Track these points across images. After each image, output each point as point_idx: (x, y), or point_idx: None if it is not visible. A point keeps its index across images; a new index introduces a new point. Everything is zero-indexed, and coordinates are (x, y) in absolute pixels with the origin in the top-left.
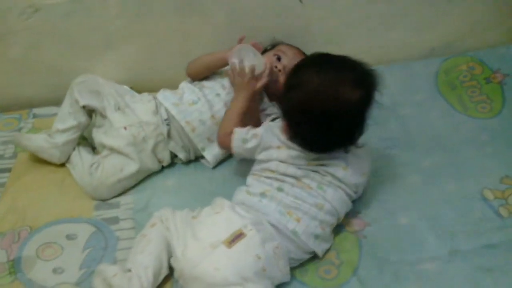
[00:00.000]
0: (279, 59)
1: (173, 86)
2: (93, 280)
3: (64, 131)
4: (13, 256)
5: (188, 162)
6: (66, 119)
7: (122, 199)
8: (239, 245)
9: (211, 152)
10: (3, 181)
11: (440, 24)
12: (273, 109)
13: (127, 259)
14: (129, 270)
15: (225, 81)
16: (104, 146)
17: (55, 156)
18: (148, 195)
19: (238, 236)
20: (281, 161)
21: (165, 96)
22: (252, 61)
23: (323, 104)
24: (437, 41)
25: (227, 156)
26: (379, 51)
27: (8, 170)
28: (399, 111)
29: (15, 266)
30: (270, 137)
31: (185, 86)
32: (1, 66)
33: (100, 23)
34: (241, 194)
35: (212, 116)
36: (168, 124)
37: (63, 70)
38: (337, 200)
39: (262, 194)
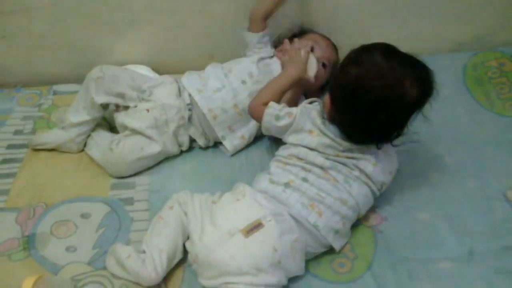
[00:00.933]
0: (312, 49)
1: (195, 68)
2: (106, 259)
3: (77, 124)
4: (27, 232)
5: (206, 147)
6: (80, 112)
7: (138, 180)
8: (257, 235)
9: (232, 142)
10: (21, 157)
11: (471, 17)
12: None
13: (143, 240)
14: (144, 252)
15: (254, 69)
16: (126, 127)
17: (72, 148)
18: (165, 177)
19: (256, 226)
20: (311, 149)
21: (189, 81)
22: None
23: (380, 89)
24: (467, 35)
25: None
26: (406, 42)
27: (27, 145)
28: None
29: (29, 243)
30: (304, 119)
31: (211, 71)
32: (24, 41)
33: (124, 2)
34: (264, 182)
35: (235, 105)
36: (190, 109)
37: (85, 47)
38: (362, 196)
39: (286, 184)
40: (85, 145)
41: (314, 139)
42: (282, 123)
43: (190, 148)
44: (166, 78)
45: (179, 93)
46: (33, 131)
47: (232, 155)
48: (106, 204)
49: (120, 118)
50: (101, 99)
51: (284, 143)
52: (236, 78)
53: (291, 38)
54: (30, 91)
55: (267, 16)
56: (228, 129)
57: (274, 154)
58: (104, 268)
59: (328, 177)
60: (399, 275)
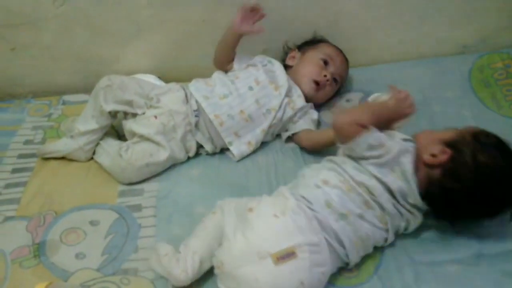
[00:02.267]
0: (325, 63)
1: (201, 76)
2: (150, 255)
3: (85, 133)
4: (38, 240)
5: (213, 153)
6: (88, 121)
7: (146, 187)
8: (287, 265)
9: (238, 148)
10: (31, 166)
11: (475, 19)
12: (312, 108)
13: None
14: (180, 252)
15: (260, 76)
16: (134, 134)
17: (81, 156)
18: (172, 183)
19: (289, 255)
20: (388, 189)
21: (197, 88)
22: None
23: (502, 192)
24: (472, 37)
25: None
26: (410, 45)
27: (36, 155)
28: (429, 107)
29: (39, 250)
30: (398, 160)
31: (217, 78)
32: (33, 52)
33: (129, 12)
34: (318, 200)
35: (242, 111)
36: (197, 116)
37: (92, 58)
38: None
39: (343, 216)
40: (94, 153)
41: (397, 182)
42: (371, 153)
43: (197, 154)
44: (173, 85)
45: (186, 99)
46: (43, 141)
47: (238, 160)
48: (114, 211)
49: (129, 125)
50: (110, 107)
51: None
52: (242, 85)
53: (302, 46)
54: (40, 102)
55: (228, 61)
56: (235, 135)
57: (280, 159)
58: (113, 274)
59: (381, 221)
60: (405, 278)
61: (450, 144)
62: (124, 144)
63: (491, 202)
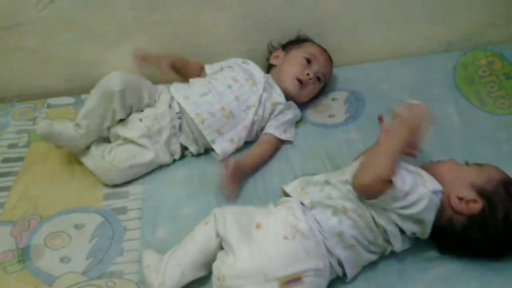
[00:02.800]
0: (309, 61)
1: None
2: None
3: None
4: (22, 245)
5: (198, 154)
6: (94, 117)
7: (131, 189)
8: None
9: (221, 145)
10: (16, 170)
11: (459, 17)
12: (289, 108)
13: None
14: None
15: (237, 75)
16: (119, 137)
17: (79, 146)
18: (157, 185)
19: (295, 280)
20: (403, 232)
21: (176, 89)
22: None
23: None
24: (456, 34)
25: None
26: (395, 44)
27: (21, 159)
28: None
29: (24, 255)
30: (431, 213)
31: (195, 79)
32: (18, 55)
33: (114, 14)
34: (332, 230)
35: (222, 108)
36: (180, 118)
37: (78, 60)
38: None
39: (351, 246)
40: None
41: (414, 228)
42: (399, 204)
43: (183, 156)
44: (161, 87)
45: (171, 102)
46: (28, 144)
47: (223, 160)
48: (99, 214)
49: (114, 128)
50: (122, 114)
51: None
52: (221, 83)
53: (286, 45)
54: (25, 105)
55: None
56: (217, 132)
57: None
58: (99, 277)
59: (383, 250)
60: (391, 276)
61: (482, 193)
62: (108, 146)
63: (499, 253)
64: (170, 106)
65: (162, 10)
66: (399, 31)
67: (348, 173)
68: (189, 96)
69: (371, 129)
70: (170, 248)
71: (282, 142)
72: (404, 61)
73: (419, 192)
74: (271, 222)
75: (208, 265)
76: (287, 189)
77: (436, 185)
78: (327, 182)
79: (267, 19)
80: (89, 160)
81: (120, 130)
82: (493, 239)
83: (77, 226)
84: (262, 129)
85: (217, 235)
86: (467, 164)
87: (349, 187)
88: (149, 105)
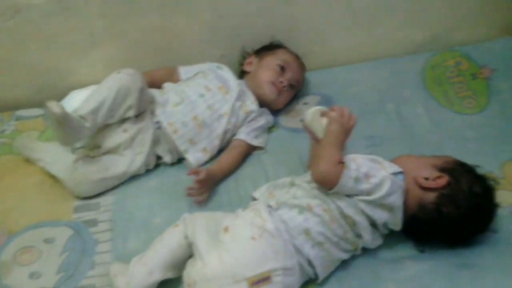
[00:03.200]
0: (282, 69)
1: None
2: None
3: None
4: None
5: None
6: (103, 111)
7: (102, 200)
8: None
9: (193, 155)
10: None
11: (427, 19)
12: (261, 115)
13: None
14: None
15: (210, 83)
16: (99, 147)
17: (81, 137)
18: (129, 196)
19: (264, 280)
20: (373, 224)
21: (154, 96)
22: None
23: (481, 216)
24: (424, 37)
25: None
26: (365, 47)
27: None
28: (386, 107)
29: None
30: (397, 196)
31: (169, 86)
32: None
33: (82, 23)
34: (298, 228)
35: (195, 117)
36: (158, 128)
37: (46, 70)
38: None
39: (319, 244)
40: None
41: (384, 216)
42: (362, 186)
43: (155, 165)
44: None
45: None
46: None
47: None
48: (70, 227)
49: (94, 138)
50: (135, 112)
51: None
52: (193, 92)
53: (260, 51)
54: None
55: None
56: (189, 142)
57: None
58: None
59: (354, 246)
60: (363, 277)
61: (444, 170)
62: (81, 156)
63: (472, 230)
64: (152, 113)
65: (132, 17)
66: (368, 35)
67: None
68: (164, 105)
69: None
70: None
71: (253, 147)
72: (374, 63)
73: (380, 174)
74: (238, 224)
75: (177, 267)
76: (256, 194)
77: (395, 167)
78: (292, 184)
79: (238, 25)
80: (60, 172)
81: (101, 139)
82: (464, 212)
83: (47, 240)
84: (234, 134)
85: (186, 238)
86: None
87: (314, 184)
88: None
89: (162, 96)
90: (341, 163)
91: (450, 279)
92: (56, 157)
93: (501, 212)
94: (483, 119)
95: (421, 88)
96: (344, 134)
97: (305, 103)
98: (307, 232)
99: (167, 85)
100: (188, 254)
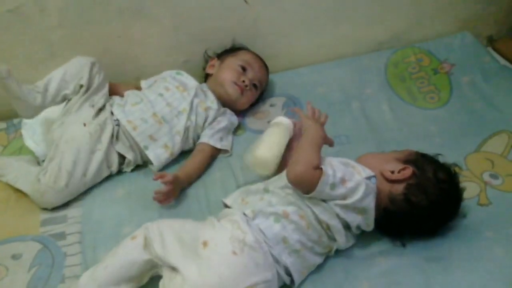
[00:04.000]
0: (244, 69)
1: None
2: None
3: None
4: None
5: (137, 169)
6: (55, 80)
7: (70, 212)
8: None
9: (154, 151)
10: None
11: (387, 17)
12: (223, 115)
13: None
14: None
15: (169, 84)
16: (57, 142)
17: (31, 105)
18: (96, 206)
19: None
20: (346, 227)
21: (113, 99)
22: None
23: (449, 203)
24: (385, 34)
25: (174, 161)
26: (328, 47)
27: None
28: (350, 105)
29: None
30: (369, 200)
31: (128, 93)
32: None
33: (41, 34)
34: (276, 237)
35: (154, 114)
36: (117, 125)
37: None
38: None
39: (295, 251)
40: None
41: (358, 219)
42: (338, 192)
43: (120, 172)
44: None
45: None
46: None
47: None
48: (38, 242)
49: (51, 132)
50: (87, 84)
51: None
52: (152, 93)
53: (222, 54)
54: None
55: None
56: (150, 138)
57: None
58: None
59: (328, 249)
60: (336, 275)
61: (407, 162)
62: (42, 166)
63: (443, 217)
64: (111, 113)
65: (91, 26)
66: (331, 34)
67: (284, 177)
68: (122, 105)
69: None
70: None
71: (218, 150)
72: (337, 63)
73: (355, 179)
74: (217, 238)
75: (134, 280)
76: (228, 201)
77: (369, 172)
78: (266, 190)
79: (200, 30)
80: (25, 185)
81: (60, 130)
82: (433, 200)
83: (15, 257)
84: (198, 137)
85: (147, 250)
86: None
87: (288, 190)
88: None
89: (121, 100)
90: (319, 168)
91: (421, 272)
92: (19, 171)
93: (466, 203)
94: (446, 113)
95: (384, 85)
96: (320, 131)
97: (272, 105)
98: (284, 240)
99: (127, 92)
100: (148, 267)
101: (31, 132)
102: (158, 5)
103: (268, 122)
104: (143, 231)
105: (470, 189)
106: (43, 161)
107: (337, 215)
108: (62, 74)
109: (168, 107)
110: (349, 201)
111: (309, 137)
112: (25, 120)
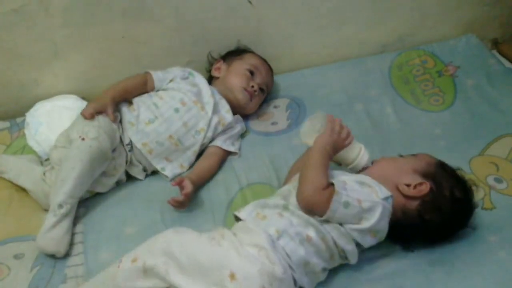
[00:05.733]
0: (252, 73)
1: None
2: None
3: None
4: None
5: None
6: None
7: None
8: None
9: (171, 171)
10: None
11: (391, 19)
12: (236, 122)
13: None
14: None
15: (185, 96)
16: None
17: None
18: (99, 206)
19: None
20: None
21: (123, 113)
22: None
23: (462, 219)
24: (389, 36)
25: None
26: (332, 49)
27: None
28: (354, 107)
29: None
30: (384, 223)
31: (140, 101)
32: None
33: (45, 33)
34: (300, 261)
35: (170, 137)
36: (130, 150)
37: (8, 82)
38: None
39: (313, 272)
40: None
41: (373, 242)
42: (354, 210)
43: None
44: None
45: (120, 133)
46: None
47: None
48: None
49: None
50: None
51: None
52: (167, 108)
53: (227, 56)
54: None
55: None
56: (166, 160)
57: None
58: None
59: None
60: (338, 279)
61: (426, 175)
62: (47, 167)
63: (453, 231)
64: (120, 138)
65: (95, 26)
66: (334, 36)
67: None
68: (135, 123)
69: None
70: None
71: (228, 153)
72: (341, 64)
73: (371, 199)
74: (245, 270)
75: None
76: (242, 215)
77: (386, 192)
78: (285, 207)
79: (203, 30)
80: (29, 184)
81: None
82: (447, 218)
83: (17, 256)
84: (209, 141)
85: (155, 276)
86: (401, 156)
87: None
88: None
89: (132, 113)
90: (329, 186)
91: (424, 276)
92: (22, 169)
93: None
94: (450, 116)
95: (388, 88)
96: (333, 150)
97: (275, 106)
98: (306, 264)
99: (137, 100)
100: None
101: (33, 132)
102: (161, 5)
103: (272, 123)
104: (143, 257)
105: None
106: (46, 160)
107: (354, 239)
108: (86, 179)
109: (184, 127)
110: (365, 225)
111: (317, 153)
112: (27, 120)
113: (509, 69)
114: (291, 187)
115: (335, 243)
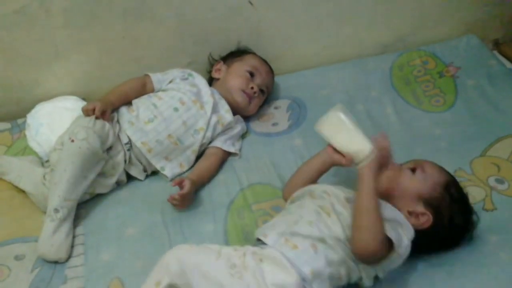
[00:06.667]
0: (252, 74)
1: None
2: None
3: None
4: None
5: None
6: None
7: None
8: None
9: (171, 171)
10: None
11: (392, 19)
12: (236, 123)
13: None
14: None
15: (184, 95)
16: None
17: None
18: (99, 208)
19: None
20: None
21: (121, 113)
22: None
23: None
24: (389, 37)
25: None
26: (332, 49)
27: None
28: (355, 107)
29: None
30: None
31: (139, 102)
32: None
33: (45, 34)
34: (323, 275)
35: (169, 136)
36: (129, 150)
37: (9, 84)
38: None
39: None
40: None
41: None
42: (399, 261)
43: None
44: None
45: (119, 132)
46: None
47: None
48: None
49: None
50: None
51: None
52: (166, 107)
53: (227, 58)
54: None
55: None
56: (166, 159)
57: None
58: None
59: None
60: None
61: (430, 203)
62: (47, 170)
63: (448, 249)
64: (118, 137)
65: (96, 27)
66: (335, 37)
67: (341, 226)
68: (134, 122)
69: (314, 135)
70: (114, 271)
71: (229, 154)
72: (341, 65)
73: (404, 244)
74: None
75: None
76: (269, 241)
77: (412, 231)
78: (322, 240)
79: (204, 31)
80: (29, 186)
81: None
82: (443, 242)
83: (17, 257)
84: (209, 142)
85: None
86: (412, 170)
87: (343, 245)
88: None
89: (131, 113)
90: (386, 241)
91: (426, 277)
92: (23, 170)
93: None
94: (451, 117)
95: (389, 88)
96: (372, 175)
97: (276, 107)
98: (331, 278)
99: (136, 101)
100: None
101: (34, 133)
102: (162, 6)
103: (272, 124)
104: (166, 271)
105: (475, 194)
106: (47, 161)
107: (376, 273)
108: (79, 180)
109: (183, 126)
110: (394, 266)
111: (368, 196)
112: (28, 121)
113: (510, 69)
114: (322, 212)
115: (360, 278)
